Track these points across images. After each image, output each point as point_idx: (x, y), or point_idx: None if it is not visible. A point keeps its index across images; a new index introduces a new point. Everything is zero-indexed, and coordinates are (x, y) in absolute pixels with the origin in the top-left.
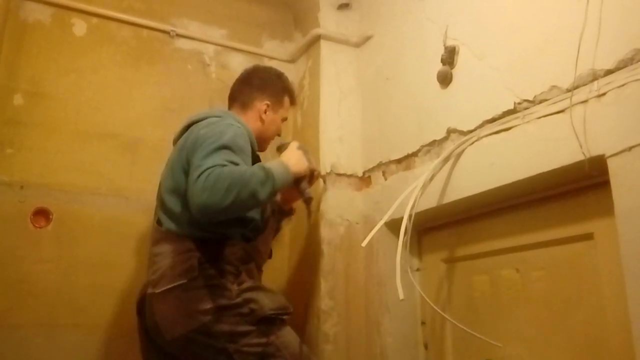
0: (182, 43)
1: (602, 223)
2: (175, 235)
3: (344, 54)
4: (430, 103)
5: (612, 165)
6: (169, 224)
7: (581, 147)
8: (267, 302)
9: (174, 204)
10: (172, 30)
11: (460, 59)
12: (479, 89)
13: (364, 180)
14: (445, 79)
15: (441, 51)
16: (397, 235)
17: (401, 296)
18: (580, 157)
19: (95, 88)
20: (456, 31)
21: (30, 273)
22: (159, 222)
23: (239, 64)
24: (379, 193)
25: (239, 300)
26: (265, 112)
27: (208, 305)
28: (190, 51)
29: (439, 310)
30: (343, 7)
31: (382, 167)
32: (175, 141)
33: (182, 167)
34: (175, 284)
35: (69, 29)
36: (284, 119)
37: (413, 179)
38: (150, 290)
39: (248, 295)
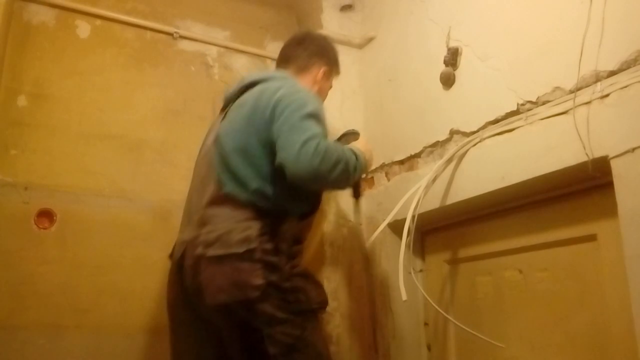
0: (185, 45)
1: (605, 224)
2: (237, 201)
3: (347, 55)
4: (433, 104)
5: (616, 166)
6: (232, 187)
7: (584, 148)
8: (314, 295)
9: (240, 166)
10: (175, 32)
11: (463, 60)
12: (481, 90)
13: (367, 181)
14: (448, 80)
15: (444, 52)
16: (400, 236)
17: (404, 297)
18: (584, 159)
19: (99, 90)
20: (459, 32)
21: (34, 274)
22: (219, 182)
23: (242, 66)
24: (382, 194)
25: (288, 285)
26: (320, 79)
27: (259, 281)
28: (193, 53)
29: (441, 312)
30: (346, 8)
31: (385, 168)
32: (230, 100)
33: (256, 129)
34: (232, 251)
35: (72, 31)
36: (329, 88)
37: (416, 180)
38: (201, 251)
39: (298, 282)
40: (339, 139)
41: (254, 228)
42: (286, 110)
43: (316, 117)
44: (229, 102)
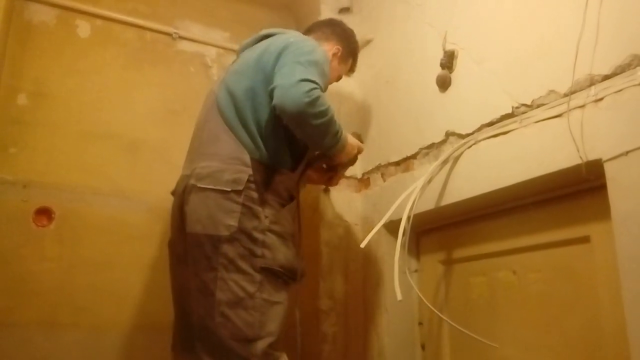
0: (184, 45)
1: (598, 226)
2: (235, 139)
3: None
4: (429, 106)
5: (609, 169)
6: (233, 123)
7: (578, 151)
8: (280, 257)
9: (244, 104)
10: (174, 33)
11: (459, 63)
12: (477, 93)
13: (363, 181)
14: (444, 83)
15: (440, 55)
16: (396, 237)
17: (399, 297)
18: (578, 161)
19: (99, 89)
20: (455, 36)
21: (32, 272)
22: (221, 117)
23: None
24: (378, 195)
25: (260, 237)
26: (334, 55)
27: (232, 223)
28: (192, 53)
29: (436, 312)
30: (344, 11)
31: (381, 169)
32: (244, 49)
33: (262, 68)
34: (218, 187)
35: (73, 31)
36: (339, 78)
37: (412, 181)
38: (192, 182)
39: (270, 239)
40: None
41: (245, 173)
42: (296, 51)
43: (321, 67)
44: (242, 51)
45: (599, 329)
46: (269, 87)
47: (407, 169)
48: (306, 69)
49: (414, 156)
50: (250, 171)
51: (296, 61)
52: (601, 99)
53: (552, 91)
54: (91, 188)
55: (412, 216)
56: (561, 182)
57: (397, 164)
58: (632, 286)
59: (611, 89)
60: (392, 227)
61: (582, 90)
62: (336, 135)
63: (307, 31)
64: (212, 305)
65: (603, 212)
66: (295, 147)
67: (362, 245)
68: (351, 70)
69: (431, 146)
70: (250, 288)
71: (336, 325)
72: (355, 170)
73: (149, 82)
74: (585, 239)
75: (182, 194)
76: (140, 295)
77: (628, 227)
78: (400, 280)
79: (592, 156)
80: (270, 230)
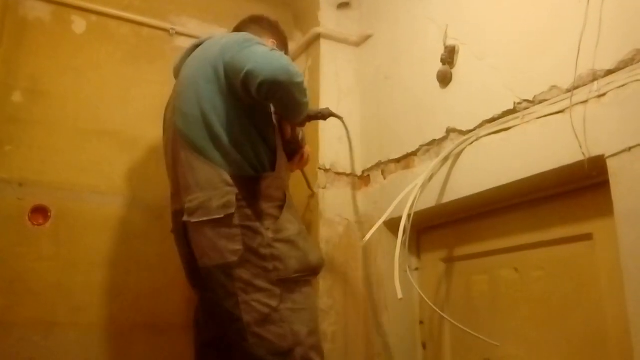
0: (181, 41)
1: (601, 223)
2: (209, 161)
3: (344, 53)
4: (429, 102)
5: (612, 165)
6: (202, 144)
7: (581, 147)
8: (293, 264)
9: (204, 119)
10: (171, 29)
11: (460, 59)
12: (478, 89)
13: (363, 179)
14: (445, 79)
15: (441, 51)
16: (396, 235)
17: (400, 295)
18: (580, 157)
19: (95, 86)
20: (456, 31)
21: (28, 271)
22: (188, 144)
23: None
24: (378, 192)
25: (267, 252)
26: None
27: (237, 247)
28: None
29: (437, 310)
30: (343, 6)
31: (381, 166)
32: (179, 68)
33: (208, 79)
34: (212, 217)
35: (68, 27)
36: None
37: (412, 178)
38: (186, 218)
39: (277, 250)
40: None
41: (232, 194)
42: (237, 42)
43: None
44: (178, 71)
45: (602, 327)
46: (223, 94)
47: (407, 166)
48: (262, 46)
49: (414, 153)
50: (235, 190)
51: (247, 47)
52: (604, 94)
53: (554, 87)
54: (88, 186)
55: (412, 214)
56: (563, 179)
57: (398, 161)
58: (635, 283)
59: (614, 84)
60: (392, 225)
61: (584, 85)
62: (307, 93)
63: (236, 31)
64: (242, 328)
65: (606, 208)
66: (269, 143)
67: (362, 243)
68: None
69: (432, 143)
70: (273, 302)
71: (336, 324)
72: (356, 167)
73: (146, 78)
74: (587, 236)
75: (184, 233)
76: (138, 294)
77: (631, 224)
78: (401, 278)
79: (594, 152)
80: (276, 240)
